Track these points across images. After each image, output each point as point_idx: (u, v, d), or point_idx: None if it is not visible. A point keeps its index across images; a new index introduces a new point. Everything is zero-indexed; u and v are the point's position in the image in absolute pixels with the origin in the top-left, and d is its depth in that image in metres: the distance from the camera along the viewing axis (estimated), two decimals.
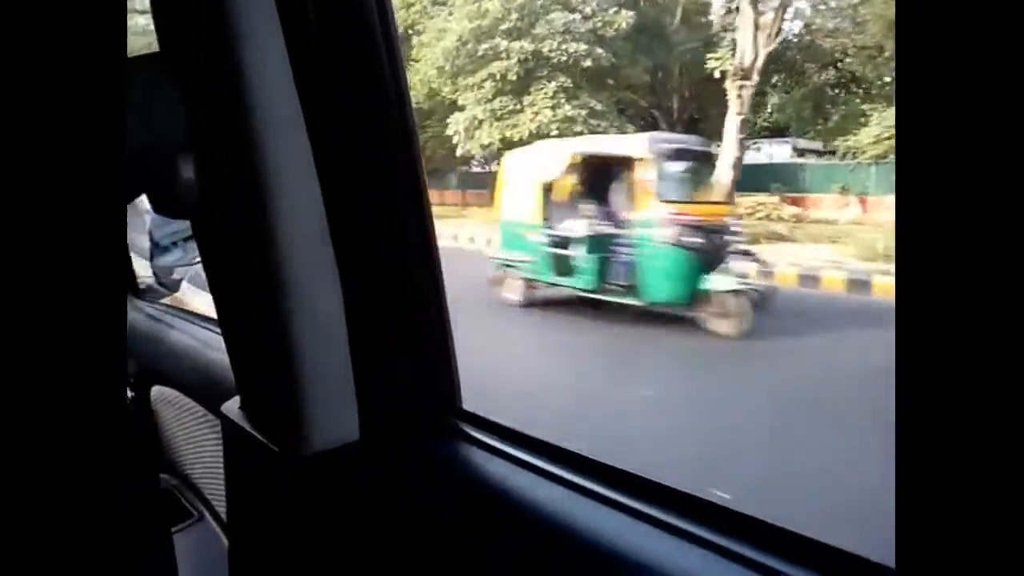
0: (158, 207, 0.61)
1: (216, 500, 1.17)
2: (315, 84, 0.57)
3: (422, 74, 13.04)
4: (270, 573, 0.74)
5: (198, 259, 1.45)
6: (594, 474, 0.56)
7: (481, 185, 16.01)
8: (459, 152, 12.57)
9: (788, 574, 0.44)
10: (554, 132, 11.35)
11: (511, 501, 0.55)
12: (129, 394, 1.43)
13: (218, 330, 1.19)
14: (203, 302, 1.44)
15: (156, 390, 1.33)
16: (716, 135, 13.77)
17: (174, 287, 1.45)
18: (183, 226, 1.44)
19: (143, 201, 1.04)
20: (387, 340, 0.64)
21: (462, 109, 12.24)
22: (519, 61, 11.56)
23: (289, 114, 0.56)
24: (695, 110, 12.74)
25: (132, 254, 1.50)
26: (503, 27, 11.71)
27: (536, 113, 11.38)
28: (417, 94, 13.30)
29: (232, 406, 0.77)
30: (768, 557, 0.45)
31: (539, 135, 11.52)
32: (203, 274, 1.49)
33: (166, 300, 1.48)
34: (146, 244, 1.45)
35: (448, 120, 12.65)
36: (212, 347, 1.13)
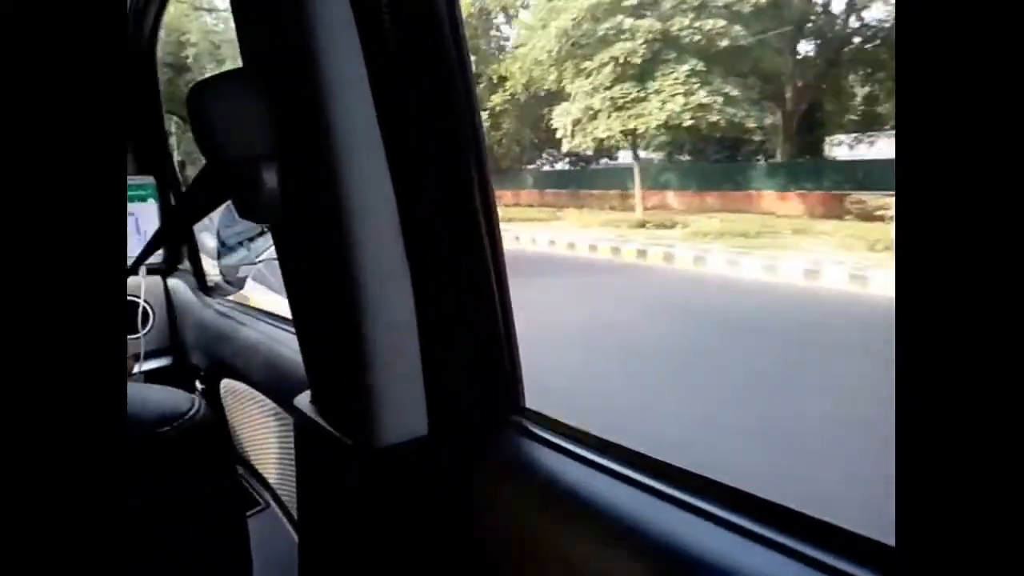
0: (242, 213, 0.68)
1: (282, 489, 1.26)
2: (390, 97, 0.62)
3: (522, 62, 12.64)
4: (339, 561, 0.80)
5: (261, 258, 1.64)
6: (657, 472, 0.59)
7: (560, 184, 15.47)
8: (565, 147, 12.18)
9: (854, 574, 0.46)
10: (688, 121, 10.72)
11: (573, 496, 0.59)
12: (199, 386, 1.62)
13: (284, 326, 1.26)
14: (265, 297, 1.62)
15: (225, 383, 1.45)
16: (832, 130, 12.65)
17: (240, 284, 1.59)
18: (248, 227, 1.62)
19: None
20: (455, 339, 0.69)
21: (567, 99, 11.62)
22: (645, 42, 10.82)
23: (365, 125, 0.62)
24: (810, 101, 11.79)
25: (201, 254, 1.71)
26: (626, 3, 10.97)
27: (664, 101, 10.74)
28: (515, 84, 13.05)
29: (304, 400, 0.83)
30: (835, 558, 0.46)
31: (668, 126, 10.91)
32: (265, 272, 1.67)
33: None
34: (214, 244, 1.65)
35: (540, 112, 12.31)
36: (279, 342, 1.22)
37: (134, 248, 1.41)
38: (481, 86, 13.52)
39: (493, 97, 13.66)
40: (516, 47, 12.96)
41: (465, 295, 0.68)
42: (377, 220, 0.64)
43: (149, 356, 1.59)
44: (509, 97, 13.59)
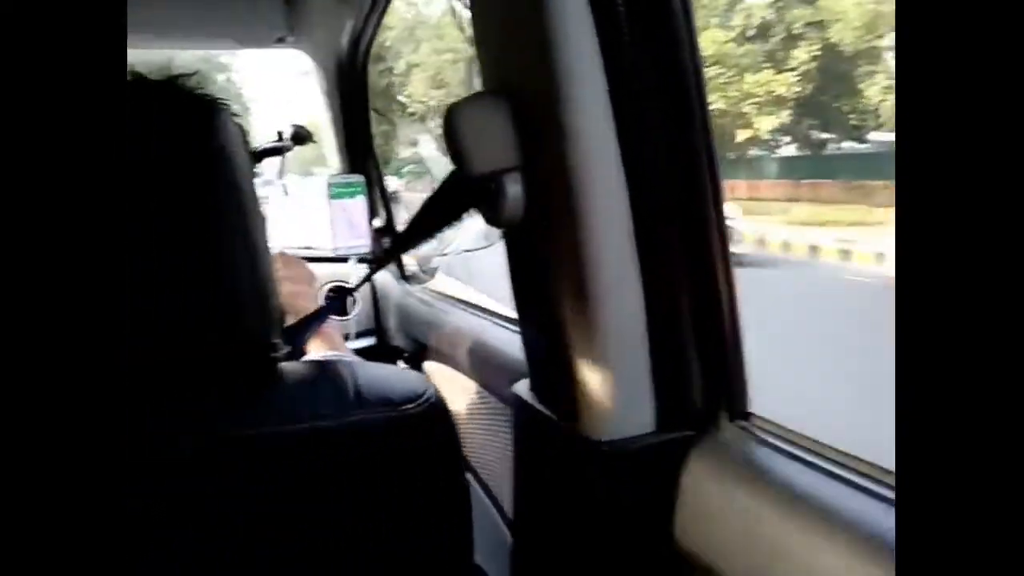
0: (487, 219, 0.81)
1: (482, 469, 1.41)
2: (626, 108, 0.71)
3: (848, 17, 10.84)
4: (552, 547, 0.89)
5: (448, 250, 1.94)
6: (888, 480, 0.61)
7: (817, 171, 13.34)
8: None
9: None
10: None
11: (811, 504, 0.62)
12: (403, 367, 1.86)
13: (485, 315, 1.49)
14: (455, 286, 1.93)
15: (427, 365, 1.71)
16: None
17: (432, 274, 1.89)
18: None
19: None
20: (682, 340, 0.76)
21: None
22: None
23: (603, 135, 0.72)
24: None
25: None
26: None
27: None
28: (845, 26, 11.20)
29: (523, 388, 0.94)
30: None
31: None
32: (454, 263, 1.98)
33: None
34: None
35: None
36: (482, 330, 1.43)
37: (347, 239, 1.80)
38: (775, 40, 12.50)
39: (796, 52, 12.36)
40: None
41: (693, 297, 0.75)
42: (611, 223, 0.73)
43: (357, 336, 1.96)
44: (819, 52, 12.16)
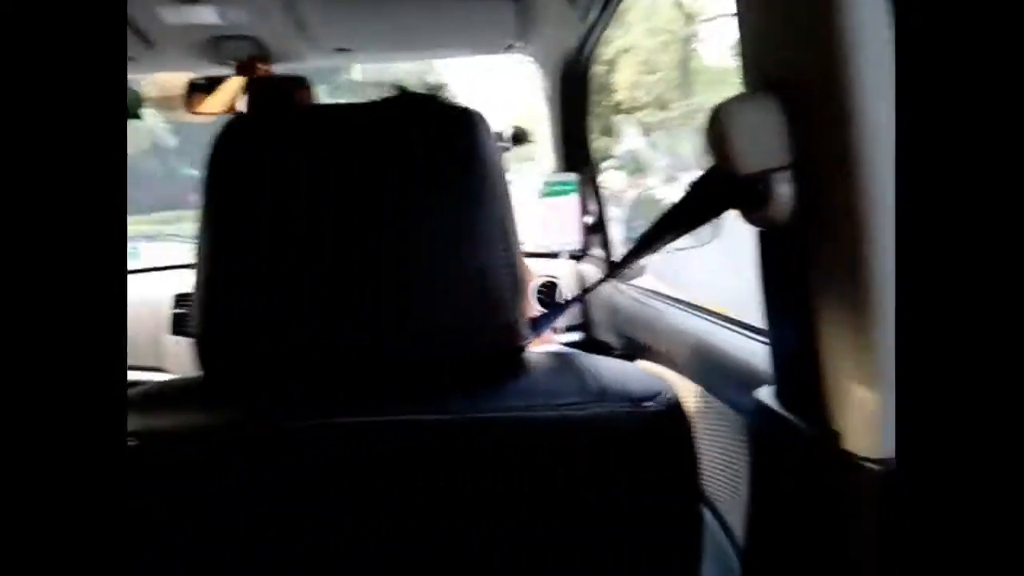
0: (749, 219, 0.80)
1: (705, 480, 1.30)
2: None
3: None
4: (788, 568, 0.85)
5: (658, 250, 2.01)
6: None
7: None
8: None
9: None
10: None
11: None
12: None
13: (702, 314, 1.50)
14: (650, 282, 1.98)
15: (640, 364, 1.69)
16: None
17: (639, 272, 1.95)
18: (645, 222, 2.01)
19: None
20: None
21: None
22: None
23: (892, 132, 0.66)
24: None
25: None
26: None
27: None
28: None
29: (767, 395, 0.89)
30: None
31: None
32: (659, 263, 2.05)
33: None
34: (618, 236, 2.09)
35: None
36: (698, 329, 1.43)
37: (559, 236, 1.91)
38: None
39: None
40: None
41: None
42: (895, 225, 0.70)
43: (566, 330, 2.07)
44: None
